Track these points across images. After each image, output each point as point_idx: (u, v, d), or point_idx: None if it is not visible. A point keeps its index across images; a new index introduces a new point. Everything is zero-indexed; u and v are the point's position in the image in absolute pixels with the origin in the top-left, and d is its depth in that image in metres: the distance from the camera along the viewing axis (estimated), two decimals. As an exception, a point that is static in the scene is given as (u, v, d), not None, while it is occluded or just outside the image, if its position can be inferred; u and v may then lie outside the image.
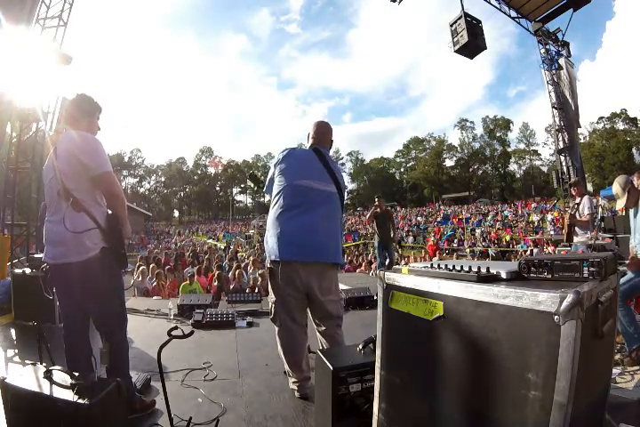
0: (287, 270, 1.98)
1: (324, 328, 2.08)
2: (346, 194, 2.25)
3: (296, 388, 2.08)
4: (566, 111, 11.42)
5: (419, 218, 29.15)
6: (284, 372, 2.41)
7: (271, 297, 2.10)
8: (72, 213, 1.70)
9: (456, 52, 9.18)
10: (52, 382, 1.27)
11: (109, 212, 1.85)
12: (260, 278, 6.76)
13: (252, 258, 8.97)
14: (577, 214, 4.81)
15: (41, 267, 1.86)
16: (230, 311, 3.76)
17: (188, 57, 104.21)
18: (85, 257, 1.70)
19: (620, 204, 2.57)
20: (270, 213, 2.09)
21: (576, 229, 4.83)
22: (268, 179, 2.21)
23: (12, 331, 3.30)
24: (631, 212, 2.66)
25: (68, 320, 1.87)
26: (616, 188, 2.59)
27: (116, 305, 1.84)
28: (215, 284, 6.46)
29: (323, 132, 2.26)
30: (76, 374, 1.29)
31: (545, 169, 48.79)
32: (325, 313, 2.07)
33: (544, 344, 0.76)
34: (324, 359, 1.50)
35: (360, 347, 1.56)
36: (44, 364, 1.48)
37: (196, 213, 63.89)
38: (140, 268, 6.83)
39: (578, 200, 4.86)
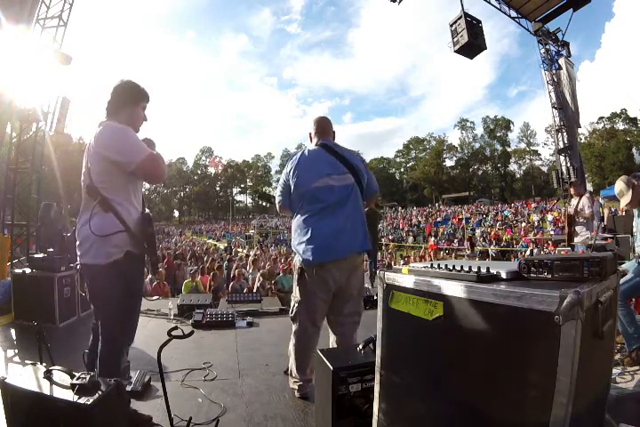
0: (321, 273, 1.99)
1: (343, 325, 2.11)
2: (365, 171, 2.18)
3: (297, 387, 2.09)
4: (566, 111, 11.40)
5: (419, 218, 29.12)
6: (285, 371, 2.41)
7: (295, 296, 2.10)
8: (99, 213, 1.62)
9: (456, 52, 9.17)
10: (51, 382, 1.27)
11: (146, 211, 1.77)
12: (261, 278, 6.77)
13: (251, 258, 8.97)
14: (576, 214, 4.83)
15: (74, 265, 1.83)
16: (230, 311, 3.77)
17: (189, 57, 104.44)
18: (106, 261, 1.61)
19: (624, 201, 2.57)
20: (296, 218, 2.09)
21: (576, 228, 4.85)
22: (282, 187, 2.16)
23: (12, 331, 3.30)
24: (635, 212, 2.66)
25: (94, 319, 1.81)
26: (619, 185, 2.60)
27: (113, 319, 1.68)
28: (211, 284, 6.48)
29: (323, 127, 2.26)
30: (76, 374, 1.29)
31: (545, 169, 48.80)
32: (351, 308, 2.10)
33: (544, 344, 0.76)
34: (324, 359, 1.50)
35: (360, 347, 1.56)
36: (43, 364, 1.48)
37: (196, 213, 63.92)
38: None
39: (575, 200, 4.89)
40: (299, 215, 2.07)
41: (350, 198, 2.07)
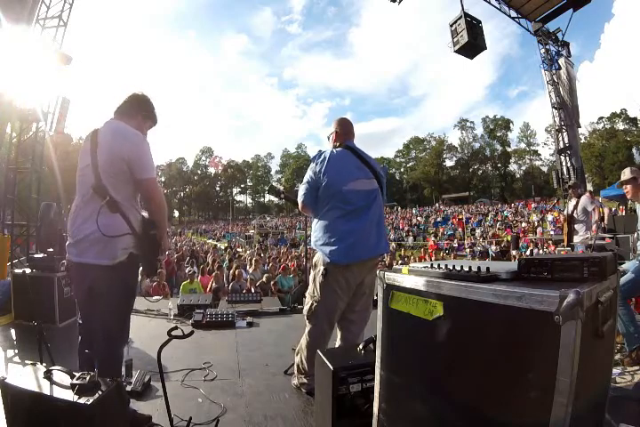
0: (346, 273, 2.02)
1: (352, 322, 2.15)
2: (385, 175, 2.24)
3: (306, 382, 2.10)
4: (566, 111, 11.41)
5: (419, 218, 29.12)
6: (285, 371, 2.42)
7: (314, 295, 2.10)
8: (107, 213, 1.58)
9: (456, 52, 9.17)
10: (51, 382, 1.27)
11: (145, 215, 1.75)
12: (263, 279, 6.77)
13: (253, 258, 8.96)
14: (575, 214, 4.86)
15: (62, 264, 1.77)
16: (230, 311, 3.77)
17: (189, 57, 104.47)
18: (111, 262, 1.60)
19: (624, 177, 2.65)
20: (322, 219, 2.09)
21: (575, 227, 4.87)
22: (308, 185, 2.12)
23: (12, 331, 3.30)
24: (639, 209, 2.69)
25: (83, 321, 1.79)
26: (626, 170, 2.67)
27: (113, 319, 1.68)
28: (213, 284, 6.48)
29: (348, 128, 2.27)
30: (76, 374, 1.29)
31: (545, 169, 48.80)
32: (362, 305, 2.15)
33: (544, 344, 0.76)
34: (325, 359, 1.50)
35: (360, 347, 1.56)
36: (43, 364, 1.48)
37: (196, 213, 63.90)
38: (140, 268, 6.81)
39: (574, 201, 4.93)
40: (325, 215, 2.07)
41: (375, 203, 2.10)
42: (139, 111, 1.84)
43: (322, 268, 2.04)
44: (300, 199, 2.18)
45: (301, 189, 2.17)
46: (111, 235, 1.57)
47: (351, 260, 2.00)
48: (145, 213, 1.78)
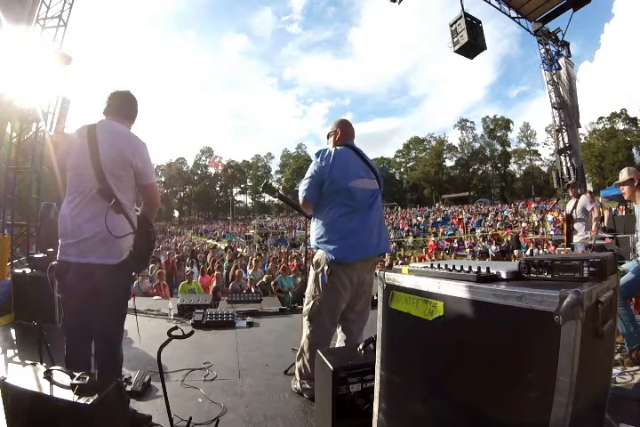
0: (349, 271, 2.02)
1: (353, 322, 2.16)
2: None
3: (309, 387, 2.02)
4: (566, 111, 11.40)
5: (419, 218, 29.12)
6: (285, 371, 2.42)
7: (316, 294, 2.06)
8: (113, 214, 1.62)
9: (456, 52, 9.16)
10: (51, 382, 1.27)
11: (138, 214, 1.79)
12: (263, 279, 6.78)
13: (253, 258, 8.97)
14: (574, 214, 4.87)
15: (52, 264, 1.76)
16: (230, 311, 3.77)
17: (190, 57, 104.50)
18: (115, 261, 1.64)
19: (621, 179, 2.65)
20: (325, 215, 2.06)
21: (574, 227, 4.88)
22: (312, 180, 2.07)
23: (12, 331, 3.30)
24: (636, 210, 2.69)
25: (73, 322, 1.76)
26: (624, 170, 2.66)
27: (114, 318, 1.72)
28: (214, 284, 6.48)
29: (350, 130, 2.28)
30: (76, 374, 1.29)
31: (545, 169, 48.78)
32: (362, 304, 2.16)
33: (544, 344, 0.76)
34: (325, 359, 1.50)
35: (360, 347, 1.56)
36: (43, 364, 1.48)
37: (196, 213, 63.89)
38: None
39: (573, 201, 4.94)
40: (327, 213, 2.05)
41: (376, 203, 2.12)
42: (129, 111, 1.87)
43: (326, 267, 2.01)
44: (301, 194, 2.11)
45: (303, 184, 2.11)
46: (118, 235, 1.61)
47: (355, 258, 2.00)
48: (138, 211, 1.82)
